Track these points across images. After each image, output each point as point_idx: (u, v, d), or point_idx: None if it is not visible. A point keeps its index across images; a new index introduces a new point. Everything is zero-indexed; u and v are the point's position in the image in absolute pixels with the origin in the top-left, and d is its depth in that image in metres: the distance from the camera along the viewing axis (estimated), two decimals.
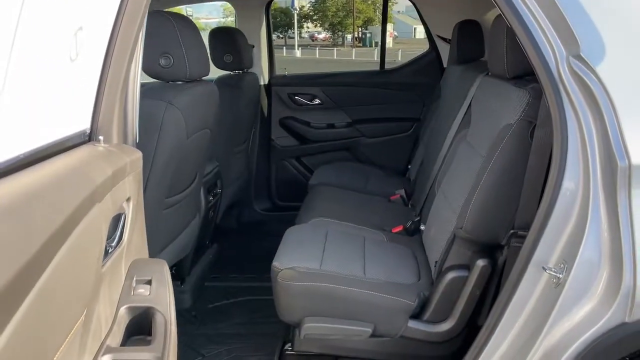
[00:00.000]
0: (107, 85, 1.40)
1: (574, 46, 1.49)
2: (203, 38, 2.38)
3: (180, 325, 2.79)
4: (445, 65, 3.89)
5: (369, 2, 43.35)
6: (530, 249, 1.61)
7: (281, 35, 43.26)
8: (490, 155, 1.89)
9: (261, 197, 4.22)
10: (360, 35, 43.29)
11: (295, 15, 41.24)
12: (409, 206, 3.16)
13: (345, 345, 2.14)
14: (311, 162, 4.17)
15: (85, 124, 1.32)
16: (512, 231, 1.85)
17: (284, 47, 37.30)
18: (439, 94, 3.49)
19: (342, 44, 43.30)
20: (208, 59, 2.35)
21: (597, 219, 1.50)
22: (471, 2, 3.43)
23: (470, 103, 2.48)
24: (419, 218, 2.69)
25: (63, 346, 0.88)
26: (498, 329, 1.71)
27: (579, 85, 1.48)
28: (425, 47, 4.17)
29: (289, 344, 2.28)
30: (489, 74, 2.39)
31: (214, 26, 3.63)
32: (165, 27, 2.09)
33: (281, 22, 40.09)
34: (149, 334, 1.28)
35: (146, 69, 2.15)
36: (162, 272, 1.43)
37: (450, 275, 2.02)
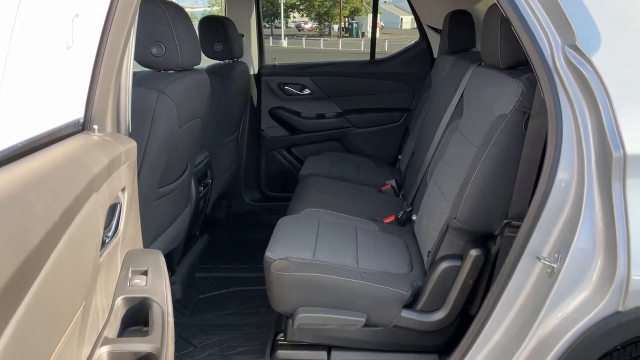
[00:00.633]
0: (101, 74, 1.38)
1: (569, 35, 1.49)
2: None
3: None
4: (435, 55, 3.89)
5: None
6: (524, 238, 1.62)
7: (267, 25, 43.02)
8: (484, 145, 1.89)
9: (251, 188, 4.20)
10: (346, 25, 43.18)
11: (282, 4, 41.01)
12: (400, 196, 3.17)
13: (338, 335, 2.15)
14: (301, 153, 4.17)
15: (79, 113, 1.30)
16: (505, 221, 1.86)
17: (271, 37, 37.12)
18: (429, 84, 3.49)
19: (329, 34, 43.16)
20: (199, 48, 2.33)
21: (591, 209, 1.51)
22: None
23: (462, 93, 2.48)
24: (410, 208, 2.69)
25: (64, 337, 0.87)
26: (491, 318, 1.72)
27: (574, 75, 1.49)
28: (413, 37, 4.17)
29: (282, 334, 2.28)
30: (482, 64, 2.39)
31: (199, 15, 3.58)
32: (157, 16, 2.06)
33: (268, 11, 39.83)
34: (145, 324, 1.27)
35: (138, 58, 2.13)
36: (158, 262, 1.42)
37: (443, 265, 2.03)
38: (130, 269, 1.36)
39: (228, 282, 3.08)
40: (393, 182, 3.23)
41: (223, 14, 3.95)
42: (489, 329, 1.75)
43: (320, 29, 44.78)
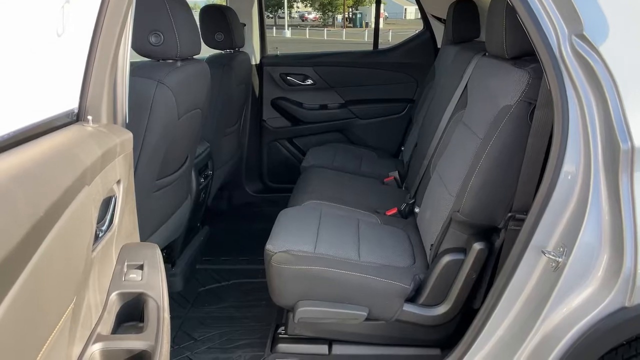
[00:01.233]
0: (96, 63, 1.35)
1: (576, 24, 1.45)
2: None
3: (171, 309, 2.76)
4: (439, 45, 3.84)
5: None
6: (529, 232, 1.59)
7: (271, 15, 42.90)
8: (488, 137, 1.85)
9: (252, 179, 4.18)
10: (350, 15, 42.97)
11: None
12: (403, 188, 3.13)
13: (339, 329, 2.12)
14: (303, 144, 4.13)
15: (73, 103, 1.27)
16: (509, 214, 1.83)
17: (274, 27, 37.01)
18: (433, 75, 3.45)
19: (333, 25, 42.97)
20: (199, 36, 2.29)
21: (597, 202, 1.47)
22: None
23: (466, 84, 2.44)
24: (413, 200, 2.66)
25: (52, 335, 0.84)
26: (495, 313, 1.70)
27: (581, 65, 1.45)
28: (417, 28, 4.12)
29: (282, 327, 2.26)
30: (486, 54, 2.35)
31: (201, 5, 3.54)
32: (155, 4, 2.02)
33: (271, 1, 39.70)
34: (141, 320, 1.25)
35: (136, 47, 2.09)
36: (154, 256, 1.39)
37: (446, 259, 2.00)
38: (126, 263, 1.33)
39: (229, 275, 3.06)
40: (396, 174, 3.19)
41: (225, 3, 3.90)
42: (492, 324, 1.72)
43: (323, 19, 44.59)
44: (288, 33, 35.13)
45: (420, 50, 4.01)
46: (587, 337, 1.51)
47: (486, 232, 1.97)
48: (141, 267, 1.33)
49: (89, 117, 1.31)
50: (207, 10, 3.30)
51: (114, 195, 1.30)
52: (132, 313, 1.30)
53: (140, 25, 2.02)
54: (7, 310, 0.67)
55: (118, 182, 1.33)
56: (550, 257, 1.53)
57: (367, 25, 38.36)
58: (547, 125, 1.66)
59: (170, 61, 2.16)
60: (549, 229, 1.55)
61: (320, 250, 2.12)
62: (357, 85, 4.05)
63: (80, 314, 1.00)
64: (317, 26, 41.80)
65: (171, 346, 2.48)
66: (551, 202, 1.52)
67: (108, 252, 1.27)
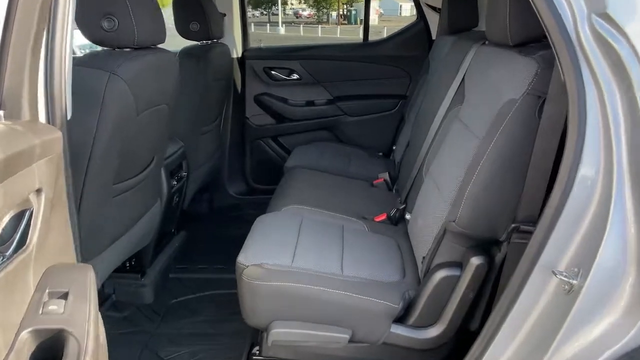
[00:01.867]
0: (11, 49, 1.11)
1: (597, 2, 1.21)
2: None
3: (139, 324, 2.51)
4: (434, 37, 3.60)
5: None
6: (537, 248, 1.34)
7: (265, 12, 42.64)
8: (489, 136, 1.60)
9: (235, 180, 3.94)
10: (345, 12, 42.73)
11: None
12: (394, 191, 2.89)
13: (319, 351, 1.88)
14: (289, 142, 3.90)
15: None
16: (513, 225, 1.58)
17: (268, 24, 36.75)
18: (427, 68, 3.20)
19: (327, 22, 42.74)
20: (163, 23, 2.04)
21: (621, 213, 1.23)
22: None
23: (463, 77, 2.19)
24: (404, 206, 2.41)
25: None
26: (496, 340, 1.45)
27: (603, 50, 1.21)
28: None
29: (258, 346, 2.02)
30: (486, 42, 2.11)
31: None
32: None
33: None
34: None
35: (87, 33, 1.85)
36: (85, 281, 1.14)
37: (440, 275, 1.76)
38: (47, 291, 1.08)
39: (204, 285, 2.82)
40: (386, 176, 2.95)
41: None
42: (493, 352, 1.48)
43: (318, 16, 44.29)
44: (282, 30, 34.87)
45: (413, 42, 3.75)
46: None
47: (486, 245, 1.73)
48: (65, 296, 1.08)
49: (1, 112, 1.07)
50: None
51: (29, 209, 1.05)
52: (54, 356, 1.05)
53: (91, 8, 1.78)
54: None
55: (38, 191, 1.08)
56: (563, 278, 1.29)
57: (361, 22, 37.99)
58: (559, 121, 1.42)
59: (128, 50, 1.91)
60: (561, 244, 1.30)
61: (298, 263, 1.88)
62: (346, 80, 3.80)
63: None
64: (311, 23, 41.47)
65: None
66: (564, 213, 1.28)
67: (19, 279, 1.02)
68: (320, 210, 2.41)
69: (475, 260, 1.68)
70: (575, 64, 1.23)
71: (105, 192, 1.93)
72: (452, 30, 2.85)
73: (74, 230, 1.30)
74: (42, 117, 1.25)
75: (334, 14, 43.86)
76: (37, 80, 1.20)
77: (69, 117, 1.33)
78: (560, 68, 1.27)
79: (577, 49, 1.23)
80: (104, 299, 2.63)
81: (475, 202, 1.63)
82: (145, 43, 1.92)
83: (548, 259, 1.32)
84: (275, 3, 41.84)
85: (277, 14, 40.34)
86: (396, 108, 3.79)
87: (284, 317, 1.82)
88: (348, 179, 2.96)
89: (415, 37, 3.75)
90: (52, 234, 1.15)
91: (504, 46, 1.76)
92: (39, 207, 1.09)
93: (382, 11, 37.48)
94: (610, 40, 1.18)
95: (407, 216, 2.28)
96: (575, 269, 1.27)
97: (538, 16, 1.29)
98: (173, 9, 2.99)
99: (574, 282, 1.27)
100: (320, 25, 38.48)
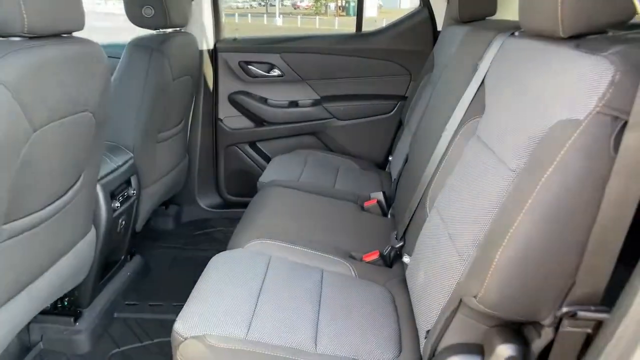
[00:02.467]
0: None
1: None
2: None
3: None
4: (440, 27, 3.06)
5: None
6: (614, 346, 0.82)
7: (262, 3, 42.14)
8: (532, 173, 1.07)
9: (207, 192, 3.43)
10: (343, 3, 42.11)
11: None
12: (389, 215, 2.36)
13: None
14: (268, 149, 3.40)
15: None
16: (565, 310, 1.05)
17: (265, 15, 36.22)
18: (431, 65, 2.66)
19: (325, 13, 42.14)
20: (78, 4, 1.51)
21: None
22: None
23: (483, 79, 1.64)
24: (402, 244, 1.88)
25: None
26: None
27: None
28: None
29: None
30: (515, 34, 1.57)
31: None
32: None
33: None
34: None
35: None
36: None
37: None
38: None
39: (155, 329, 2.30)
40: (380, 196, 2.41)
41: None
42: None
43: (316, 7, 43.64)
44: (279, 21, 34.32)
45: (415, 34, 3.19)
46: None
47: (518, 325, 1.20)
48: None
49: None
50: None
51: None
52: None
53: None
54: None
55: None
56: None
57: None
58: None
59: (17, 39, 1.38)
60: None
61: (255, 334, 1.37)
62: (335, 78, 3.27)
63: None
64: (309, 14, 40.85)
65: None
66: None
67: None
68: (294, 247, 1.89)
69: (505, 350, 1.14)
70: None
71: None
72: (464, 19, 2.32)
73: None
74: None
75: (332, 5, 43.27)
76: None
77: None
78: None
79: None
80: (28, 348, 2.12)
81: (509, 275, 1.08)
82: (43, 31, 1.38)
83: None
84: None
85: (275, 5, 39.88)
86: (393, 111, 3.26)
87: None
88: (334, 199, 2.42)
89: (417, 27, 3.19)
90: None
91: (550, 38, 1.22)
92: None
93: (381, 3, 36.86)
94: None
95: (406, 259, 1.75)
96: None
97: None
98: None
99: None
100: (318, 17, 37.91)
